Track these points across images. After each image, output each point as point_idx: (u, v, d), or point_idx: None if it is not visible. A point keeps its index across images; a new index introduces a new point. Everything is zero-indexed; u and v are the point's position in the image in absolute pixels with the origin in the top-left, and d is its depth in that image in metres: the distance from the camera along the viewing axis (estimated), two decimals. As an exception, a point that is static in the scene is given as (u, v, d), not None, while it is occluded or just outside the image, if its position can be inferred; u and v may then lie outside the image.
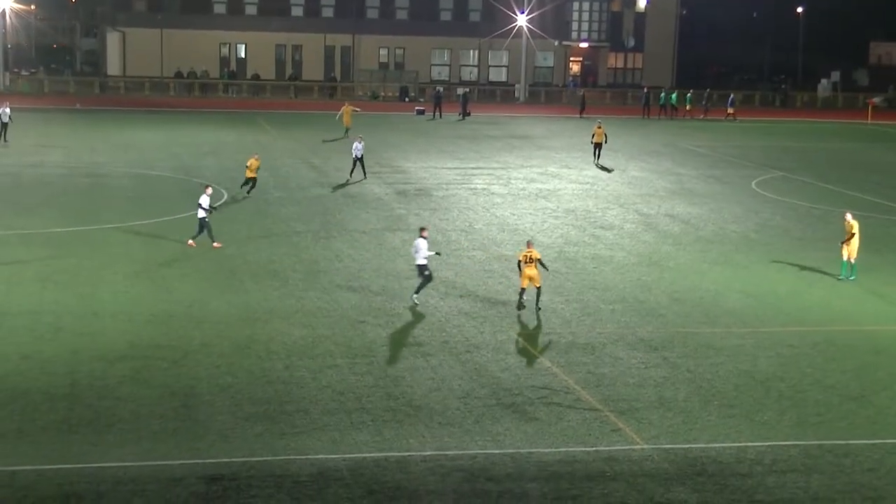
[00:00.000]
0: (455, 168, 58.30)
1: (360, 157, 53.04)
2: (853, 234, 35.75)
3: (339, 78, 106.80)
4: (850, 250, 35.86)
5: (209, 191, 38.30)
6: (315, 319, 29.91)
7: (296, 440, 21.79)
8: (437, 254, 32.93)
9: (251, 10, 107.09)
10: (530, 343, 28.63)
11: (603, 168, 60.27)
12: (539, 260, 31.13)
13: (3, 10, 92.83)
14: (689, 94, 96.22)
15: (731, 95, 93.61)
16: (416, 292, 32.00)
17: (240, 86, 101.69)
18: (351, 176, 52.94)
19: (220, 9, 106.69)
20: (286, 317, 30.07)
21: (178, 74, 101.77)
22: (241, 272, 34.50)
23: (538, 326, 30.11)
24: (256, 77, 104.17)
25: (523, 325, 30.38)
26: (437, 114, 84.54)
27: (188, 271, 34.38)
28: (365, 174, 53.37)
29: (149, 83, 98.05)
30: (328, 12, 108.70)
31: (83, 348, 26.77)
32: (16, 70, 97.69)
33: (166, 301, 31.12)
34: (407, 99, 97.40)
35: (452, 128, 78.71)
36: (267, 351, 27.16)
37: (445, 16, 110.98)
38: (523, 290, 31.28)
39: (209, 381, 24.94)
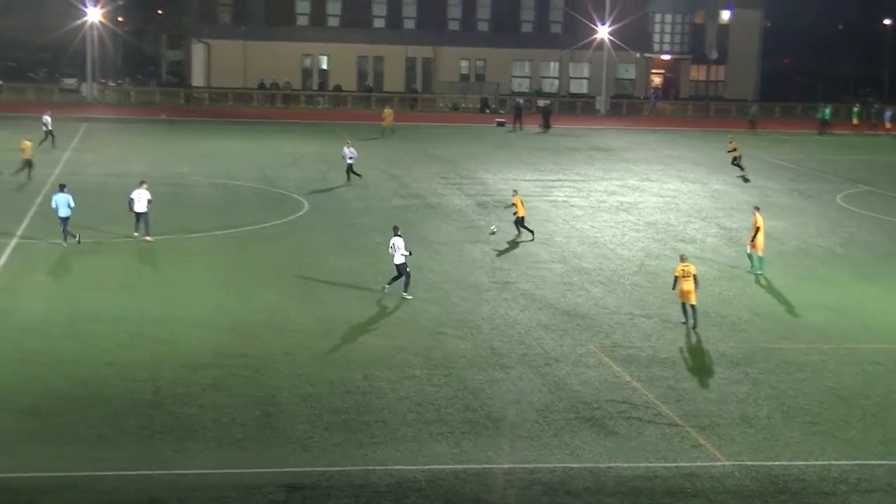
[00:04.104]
0: (535, 180, 58.16)
1: (351, 162, 54.26)
2: None
3: (419, 89, 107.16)
4: None
5: (145, 186, 39.63)
6: (394, 330, 29.98)
7: (374, 450, 21.84)
8: (409, 253, 33.44)
9: (334, 21, 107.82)
10: (611, 357, 28.42)
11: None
12: (694, 275, 30.92)
13: (92, 23, 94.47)
14: (855, 108, 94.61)
15: (888, 111, 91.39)
16: (405, 289, 32.99)
17: (321, 97, 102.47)
18: (349, 180, 54.00)
19: (303, 21, 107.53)
20: (365, 327, 30.18)
21: (261, 85, 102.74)
22: (321, 282, 34.69)
23: (619, 340, 29.88)
24: (338, 88, 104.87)
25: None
26: (518, 126, 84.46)
27: (269, 280, 34.64)
28: (349, 178, 54.23)
29: (232, 94, 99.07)
30: (410, 24, 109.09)
31: (166, 355, 27.08)
32: (103, 81, 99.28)
33: (248, 310, 31.39)
34: (487, 111, 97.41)
35: (533, 140, 78.58)
36: (346, 361, 27.27)
37: (527, 27, 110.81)
38: (684, 304, 31.07)
39: (289, 390, 25.09)
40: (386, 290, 33.28)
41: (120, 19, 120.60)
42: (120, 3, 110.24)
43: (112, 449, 21.52)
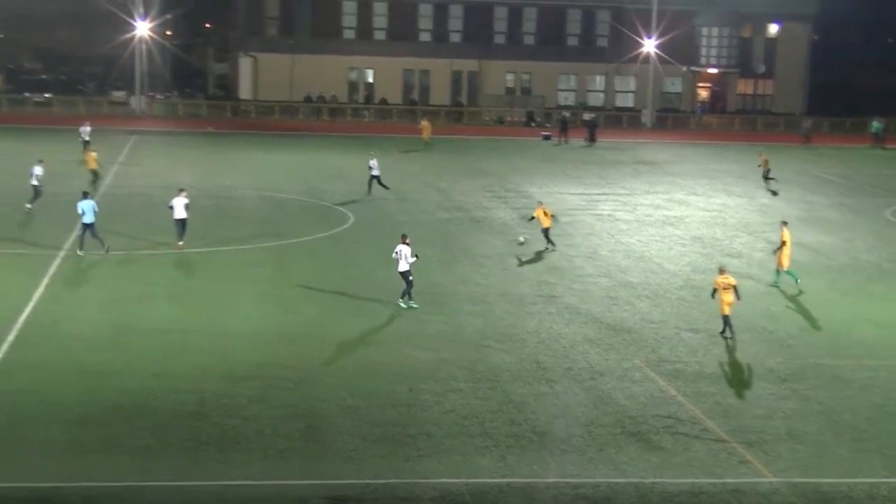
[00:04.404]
0: (580, 193, 58.02)
1: (375, 174, 54.36)
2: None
3: (465, 103, 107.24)
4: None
5: (184, 194, 40.58)
6: (439, 343, 29.96)
7: (419, 463, 21.81)
8: (416, 258, 33.61)
9: (380, 35, 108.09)
10: (656, 371, 28.25)
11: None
12: (734, 287, 30.84)
13: (141, 37, 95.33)
14: None
15: None
16: (402, 297, 33.23)
17: (367, 110, 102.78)
18: (370, 192, 54.09)
19: (349, 34, 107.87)
20: (410, 339, 30.18)
21: (308, 98, 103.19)
22: (366, 294, 34.74)
23: (665, 355, 29.70)
24: (384, 101, 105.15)
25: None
26: (564, 139, 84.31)
27: (314, 293, 34.73)
28: (370, 191, 54.36)
29: (278, 107, 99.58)
30: (456, 37, 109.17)
31: (211, 367, 27.21)
32: (151, 94, 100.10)
33: (292, 322, 31.49)
34: (532, 124, 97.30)
35: (578, 153, 78.42)
36: (391, 373, 27.28)
37: (572, 41, 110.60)
38: (726, 316, 30.96)
39: (333, 402, 25.13)
40: (410, 305, 33.26)
41: (168, 33, 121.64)
42: (168, 17, 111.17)
43: (157, 460, 21.64)
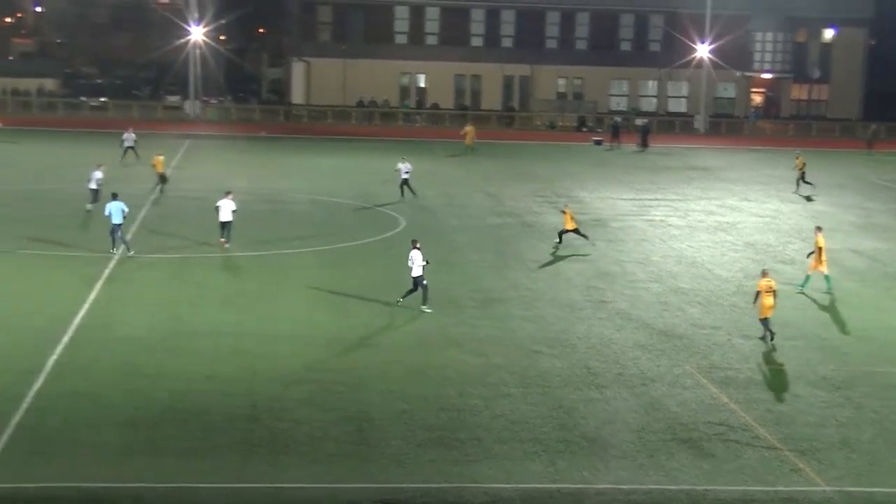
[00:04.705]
0: (632, 199, 57.80)
1: (405, 177, 54.31)
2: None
3: (516, 107, 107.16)
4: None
5: (230, 196, 41.20)
6: (489, 348, 29.94)
7: (469, 468, 21.80)
8: (426, 262, 33.55)
9: (432, 40, 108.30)
10: (708, 378, 28.06)
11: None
12: (775, 291, 30.75)
13: (195, 42, 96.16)
14: None
15: None
16: (424, 302, 33.06)
17: (419, 115, 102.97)
18: (403, 196, 53.98)
19: (401, 39, 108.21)
20: (460, 344, 30.17)
21: (360, 103, 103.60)
22: (416, 299, 34.76)
23: (716, 361, 29.50)
24: (436, 106, 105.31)
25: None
26: (616, 144, 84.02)
27: (365, 296, 34.80)
28: (403, 194, 54.25)
29: (331, 112, 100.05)
30: (507, 42, 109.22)
31: (262, 370, 27.35)
32: (205, 98, 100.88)
33: (343, 325, 31.58)
34: (584, 129, 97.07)
35: (630, 158, 78.13)
36: (441, 378, 27.29)
37: (625, 46, 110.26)
38: (765, 319, 30.87)
39: (383, 406, 25.18)
40: (400, 304, 33.41)
41: (222, 38, 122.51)
42: (223, 22, 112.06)
43: (208, 462, 21.77)
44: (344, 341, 30.11)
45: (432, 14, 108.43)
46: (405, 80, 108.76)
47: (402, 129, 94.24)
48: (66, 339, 29.19)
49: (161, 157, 54.98)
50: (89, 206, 46.81)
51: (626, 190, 61.19)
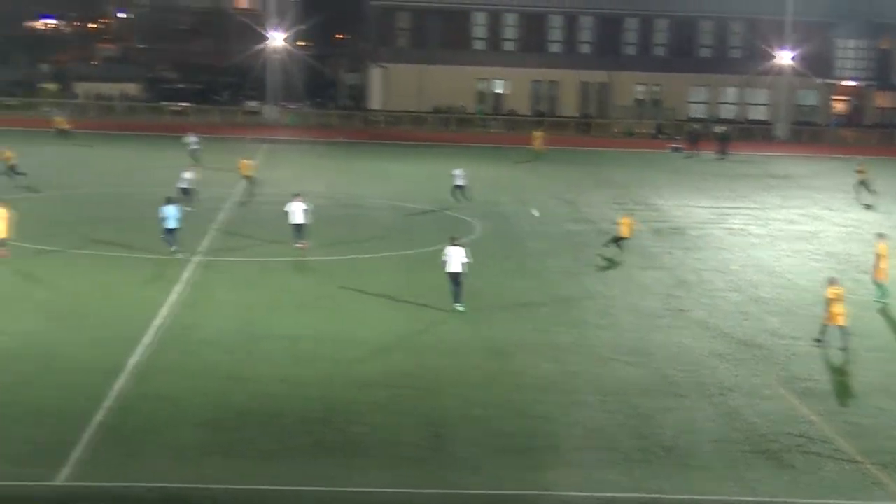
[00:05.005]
0: (711, 207, 57.24)
1: (460, 184, 54.31)
2: None
3: (594, 114, 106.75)
4: None
5: (299, 199, 41.87)
6: (564, 354, 29.79)
7: (545, 475, 21.69)
8: (468, 261, 33.59)
9: (509, 46, 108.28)
10: (787, 389, 27.67)
11: (866, 206, 58.48)
12: (841, 300, 30.71)
13: (274, 47, 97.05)
14: None
15: None
16: (457, 301, 33.17)
17: (495, 120, 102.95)
18: (459, 202, 53.88)
19: (479, 45, 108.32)
20: (536, 351, 30.05)
21: (437, 109, 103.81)
22: (492, 304, 34.73)
23: (796, 372, 29.08)
24: (512, 112, 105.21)
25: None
26: (694, 151, 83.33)
27: (440, 302, 34.74)
28: (458, 199, 54.12)
29: (408, 117, 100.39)
30: (585, 49, 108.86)
31: (337, 374, 27.43)
32: (283, 104, 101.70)
33: (418, 330, 31.61)
34: (662, 136, 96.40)
35: (709, 166, 77.43)
36: (516, 384, 27.20)
37: (705, 53, 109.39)
38: (827, 326, 30.76)
39: (458, 411, 25.14)
40: (456, 307, 33.35)
41: (301, 44, 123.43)
42: (301, 28, 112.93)
43: (283, 464, 21.87)
44: (419, 345, 30.14)
45: (510, 20, 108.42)
46: (482, 86, 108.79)
47: (477, 135, 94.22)
48: (145, 340, 29.51)
49: (248, 161, 55.66)
50: (188, 208, 47.62)
51: (704, 198, 60.64)
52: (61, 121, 79.62)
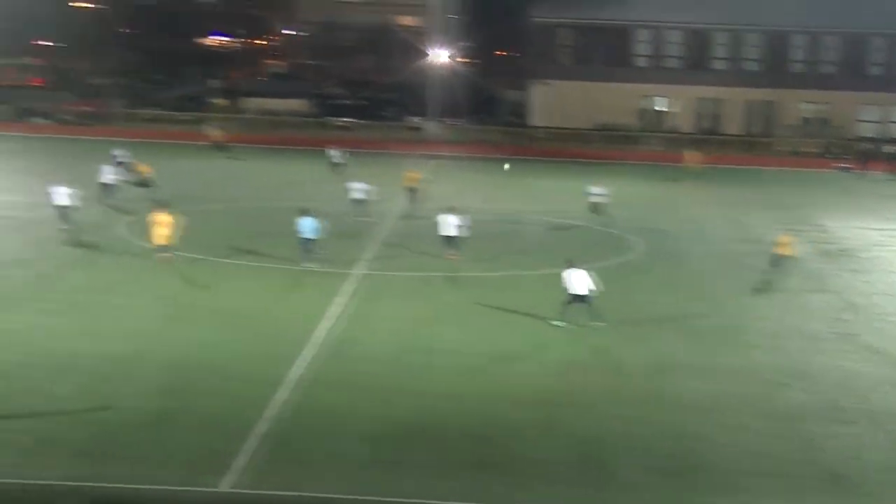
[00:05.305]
0: (881, 229, 55.55)
1: (598, 201, 54.53)
2: None
3: (759, 132, 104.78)
4: None
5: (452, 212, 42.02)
6: (728, 377, 29.22)
7: (707, 498, 21.30)
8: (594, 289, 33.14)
9: (672, 63, 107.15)
10: (962, 418, 26.62)
11: None
12: None
13: (436, 64, 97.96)
14: None
15: None
16: (594, 319, 32.70)
17: (658, 138, 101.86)
18: (598, 215, 54.10)
19: (642, 62, 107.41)
20: (697, 371, 29.55)
21: (599, 126, 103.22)
22: (650, 322, 34.31)
23: (972, 401, 27.99)
24: (675, 130, 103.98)
25: None
26: (864, 172, 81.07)
27: (598, 319, 34.45)
28: (598, 214, 54.04)
29: (570, 134, 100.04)
30: (751, 66, 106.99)
31: (497, 391, 27.38)
32: (445, 119, 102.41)
33: (577, 348, 31.38)
34: (829, 155, 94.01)
35: (880, 187, 75.21)
36: (677, 405, 26.78)
37: (876, 70, 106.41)
38: None
39: (617, 431, 24.87)
40: (595, 325, 32.98)
41: (463, 60, 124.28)
42: (464, 45, 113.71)
43: (445, 480, 21.91)
44: (577, 363, 29.91)
45: (674, 37, 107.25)
46: (645, 104, 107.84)
47: (640, 153, 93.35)
48: (305, 352, 29.90)
49: (413, 174, 56.32)
50: (367, 219, 48.42)
51: (874, 219, 58.91)
52: (217, 134, 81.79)
